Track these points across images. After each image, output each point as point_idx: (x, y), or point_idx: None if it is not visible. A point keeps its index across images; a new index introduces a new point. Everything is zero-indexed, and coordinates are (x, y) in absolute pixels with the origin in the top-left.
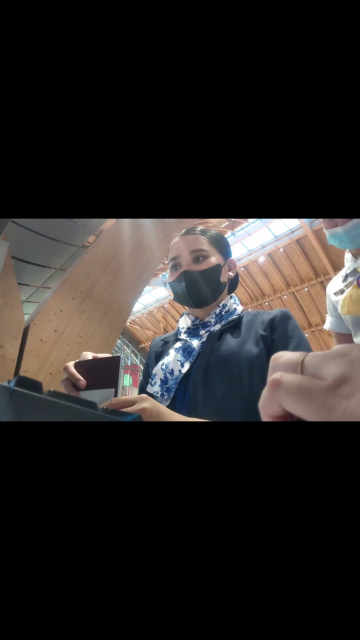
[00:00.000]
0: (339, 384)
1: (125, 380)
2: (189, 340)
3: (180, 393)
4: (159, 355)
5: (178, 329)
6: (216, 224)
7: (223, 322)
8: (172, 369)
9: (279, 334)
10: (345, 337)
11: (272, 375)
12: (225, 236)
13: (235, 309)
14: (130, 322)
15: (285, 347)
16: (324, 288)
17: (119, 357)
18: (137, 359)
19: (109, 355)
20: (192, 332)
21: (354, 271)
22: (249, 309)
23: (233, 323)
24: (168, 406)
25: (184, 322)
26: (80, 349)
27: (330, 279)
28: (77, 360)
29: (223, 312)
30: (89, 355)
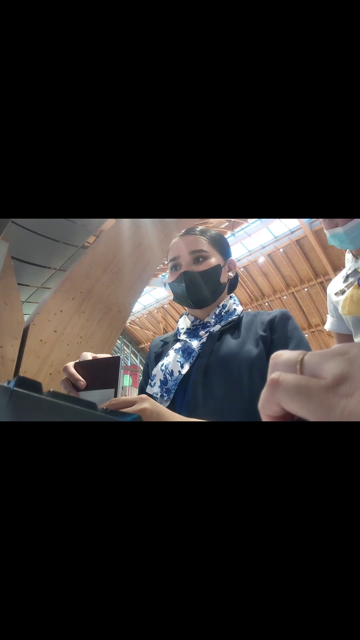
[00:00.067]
0: (339, 383)
1: (125, 380)
2: (189, 341)
3: (180, 394)
4: (159, 355)
5: (178, 330)
6: (216, 225)
7: (223, 323)
8: (172, 370)
9: (278, 334)
10: (346, 338)
11: (271, 375)
12: (225, 236)
13: (235, 309)
14: (130, 323)
15: (284, 348)
16: (324, 289)
17: (119, 357)
18: (137, 359)
19: (108, 355)
20: (192, 332)
21: (355, 271)
22: (249, 310)
23: (233, 323)
24: (168, 407)
25: (184, 323)
26: (80, 349)
27: (330, 279)
28: (77, 361)
29: (223, 313)
30: (88, 355)
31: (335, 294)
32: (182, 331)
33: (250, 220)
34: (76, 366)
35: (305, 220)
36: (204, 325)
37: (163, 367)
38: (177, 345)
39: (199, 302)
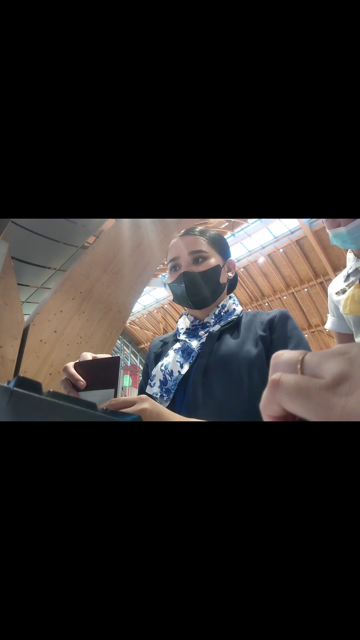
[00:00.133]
0: (339, 382)
1: (125, 380)
2: (188, 341)
3: (180, 394)
4: (158, 356)
5: (177, 330)
6: (216, 225)
7: (222, 323)
8: (172, 370)
9: (278, 334)
10: (347, 337)
11: (272, 376)
12: (225, 237)
13: (234, 309)
14: (130, 323)
15: (284, 347)
16: (324, 289)
17: (119, 357)
18: (136, 359)
19: (108, 355)
20: (192, 332)
21: (356, 271)
22: (249, 310)
23: (232, 323)
24: (168, 407)
25: (183, 323)
26: (80, 349)
27: (329, 280)
28: (77, 361)
29: (222, 313)
30: (88, 355)
31: (337, 293)
32: (182, 331)
33: (250, 221)
34: (76, 366)
35: (305, 221)
36: (204, 326)
37: (163, 367)
38: (177, 345)
39: (199, 302)
